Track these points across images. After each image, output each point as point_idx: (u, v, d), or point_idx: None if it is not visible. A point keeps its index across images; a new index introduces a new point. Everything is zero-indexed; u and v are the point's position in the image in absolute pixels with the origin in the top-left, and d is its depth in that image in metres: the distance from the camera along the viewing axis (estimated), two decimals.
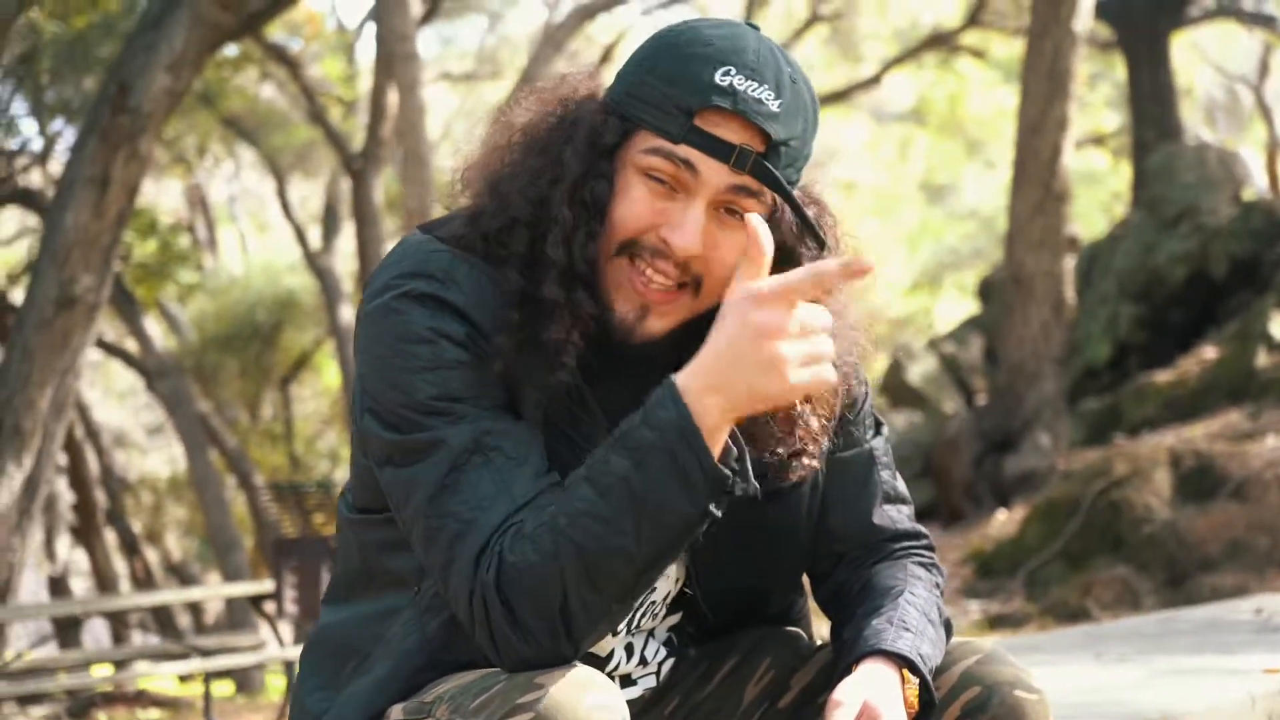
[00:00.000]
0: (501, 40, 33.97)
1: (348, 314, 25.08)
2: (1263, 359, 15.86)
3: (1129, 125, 24.04)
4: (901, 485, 2.70)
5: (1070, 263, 17.34)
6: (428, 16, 24.45)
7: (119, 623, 22.96)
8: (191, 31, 12.76)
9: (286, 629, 16.02)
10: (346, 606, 2.54)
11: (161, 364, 21.67)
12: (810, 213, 2.43)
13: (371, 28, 25.50)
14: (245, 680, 18.89)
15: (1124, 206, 28.78)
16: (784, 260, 2.40)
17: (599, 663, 2.54)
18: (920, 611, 2.51)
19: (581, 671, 2.21)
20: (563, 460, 2.34)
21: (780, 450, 2.48)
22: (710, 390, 2.16)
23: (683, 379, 2.18)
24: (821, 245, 2.45)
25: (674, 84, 2.36)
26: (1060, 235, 16.29)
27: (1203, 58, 32.65)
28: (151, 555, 27.78)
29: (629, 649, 2.58)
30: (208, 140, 25.55)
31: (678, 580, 2.56)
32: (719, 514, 2.21)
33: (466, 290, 2.35)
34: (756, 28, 2.45)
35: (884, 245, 34.76)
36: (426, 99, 19.22)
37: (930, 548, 2.69)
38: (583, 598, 2.19)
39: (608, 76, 2.52)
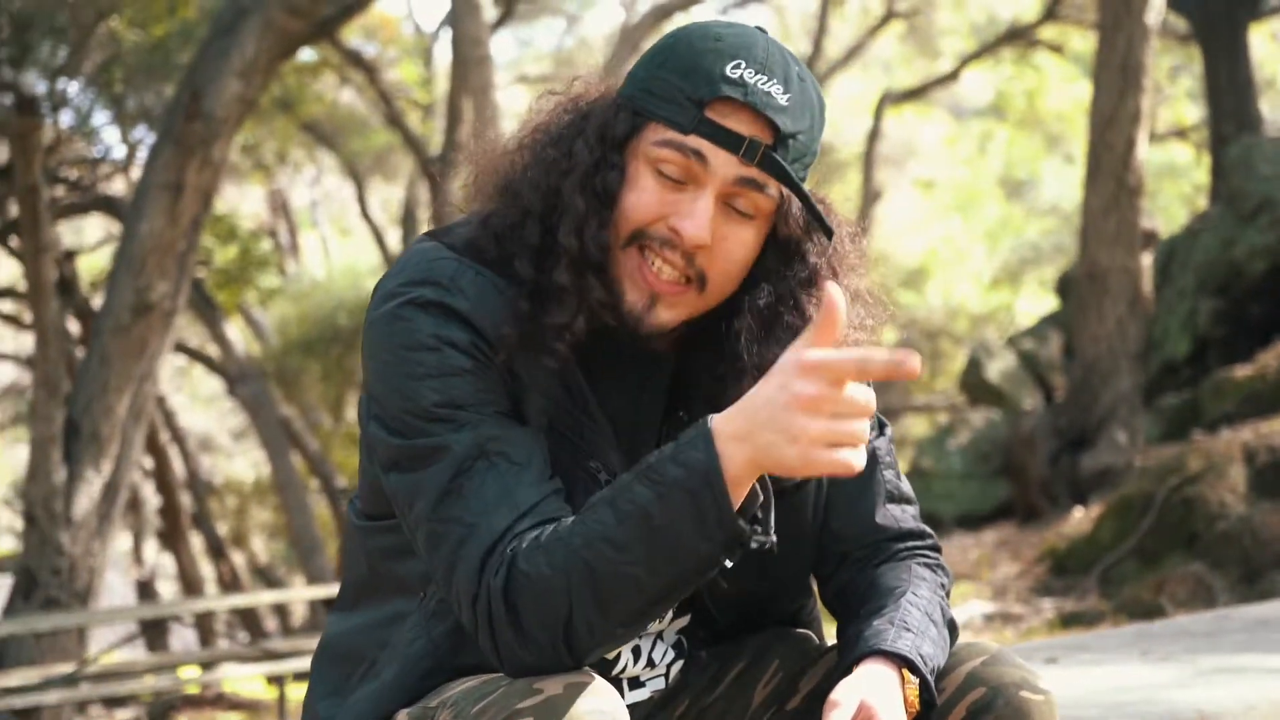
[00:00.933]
0: (579, 42, 34.03)
1: None
2: None
3: (1208, 118, 23.84)
4: (905, 485, 2.70)
5: (1148, 258, 17.23)
6: (504, 19, 24.54)
7: (206, 626, 23.15)
8: (262, 38, 12.87)
9: None
10: (354, 614, 2.56)
11: (242, 369, 21.85)
12: (819, 208, 2.45)
13: (448, 31, 25.64)
14: None
15: (1206, 200, 28.52)
16: (790, 254, 2.45)
17: (606, 665, 2.55)
18: (923, 612, 2.51)
19: (581, 677, 2.22)
20: (565, 465, 2.37)
21: None
22: (740, 439, 2.15)
23: (719, 421, 2.18)
24: (829, 235, 2.46)
25: (685, 77, 2.38)
26: (1135, 230, 16.19)
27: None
28: (238, 558, 27.99)
29: (636, 651, 2.59)
30: (288, 146, 25.70)
31: None
32: (729, 565, 2.23)
33: (471, 297, 2.37)
34: (764, 31, 2.47)
35: (964, 241, 34.62)
36: (503, 102, 19.29)
37: (936, 548, 2.69)
38: (588, 618, 2.21)
39: (620, 76, 2.54)
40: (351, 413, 29.92)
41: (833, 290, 2.14)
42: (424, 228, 26.10)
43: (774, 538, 2.25)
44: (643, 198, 2.38)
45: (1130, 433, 15.75)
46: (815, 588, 2.74)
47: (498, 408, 2.35)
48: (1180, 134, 31.99)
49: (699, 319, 2.45)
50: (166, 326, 13.18)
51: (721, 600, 2.59)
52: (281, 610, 26.21)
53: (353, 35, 22.79)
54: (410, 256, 2.45)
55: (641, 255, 2.39)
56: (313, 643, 14.94)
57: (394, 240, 27.39)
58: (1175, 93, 31.55)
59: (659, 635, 2.62)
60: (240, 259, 21.83)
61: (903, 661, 2.42)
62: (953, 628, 2.55)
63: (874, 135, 27.67)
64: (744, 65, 2.38)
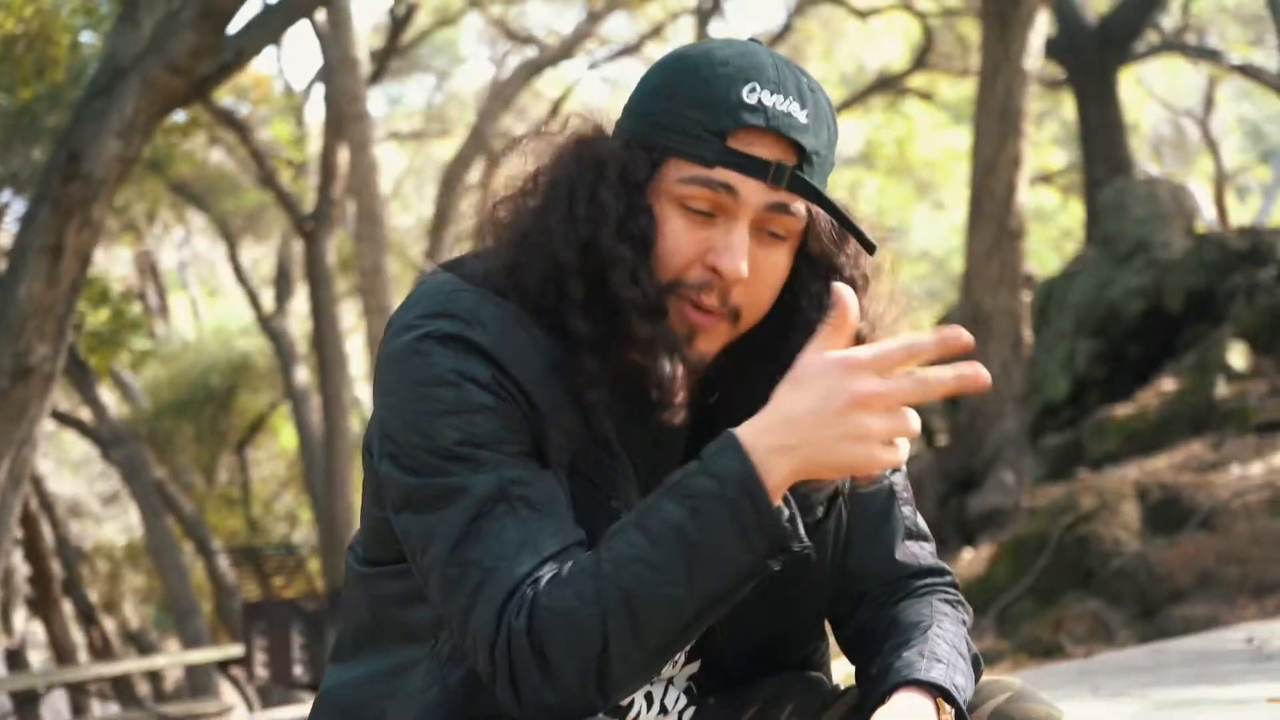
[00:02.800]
0: (449, 98, 33.99)
1: (302, 376, 24.99)
2: (1222, 389, 15.92)
3: (1079, 162, 24.15)
4: (922, 521, 2.63)
5: (1026, 300, 17.40)
6: (376, 76, 24.45)
7: (79, 694, 22.73)
8: (142, 97, 12.69)
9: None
10: (356, 664, 2.45)
11: (116, 432, 21.57)
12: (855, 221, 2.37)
13: (320, 89, 25.51)
14: None
15: (1075, 244, 28.84)
16: (824, 270, 2.38)
17: (620, 711, 2.46)
18: (950, 645, 2.44)
19: None
20: (586, 505, 2.28)
21: None
22: (781, 451, 2.09)
23: (749, 435, 2.11)
24: (872, 249, 2.38)
25: (701, 108, 2.29)
26: (1017, 273, 16.33)
27: (1149, 93, 32.87)
28: (109, 624, 27.56)
29: (649, 698, 2.50)
30: (157, 207, 25.45)
31: None
32: (776, 568, 2.15)
33: (492, 331, 2.26)
34: (760, 43, 2.39)
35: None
36: (378, 158, 19.22)
37: (954, 585, 2.62)
38: (623, 646, 2.11)
39: (611, 112, 2.45)
40: (224, 475, 29.61)
41: (841, 289, 2.11)
42: (298, 286, 25.92)
43: (810, 544, 2.19)
44: (676, 242, 2.30)
45: (1017, 474, 15.86)
46: (828, 630, 2.67)
47: (519, 447, 2.25)
48: (1046, 179, 32.40)
49: (726, 349, 2.37)
50: (46, 390, 12.93)
51: (737, 642, 2.52)
52: (154, 676, 25.80)
53: (224, 94, 22.55)
54: (425, 288, 2.34)
55: (680, 299, 2.31)
56: (197, 707, 14.72)
57: (266, 300, 27.12)
58: (1041, 138, 31.95)
59: (670, 680, 2.54)
60: (112, 321, 21.57)
61: (937, 691, 2.35)
62: (977, 663, 2.49)
63: None
64: (759, 88, 2.29)
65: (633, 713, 2.49)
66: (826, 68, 30.67)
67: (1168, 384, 16.83)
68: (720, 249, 2.28)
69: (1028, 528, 13.07)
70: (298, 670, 10.98)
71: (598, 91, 35.23)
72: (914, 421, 2.08)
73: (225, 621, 24.27)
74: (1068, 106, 28.49)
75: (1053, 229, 34.13)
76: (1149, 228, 18.74)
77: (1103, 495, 12.51)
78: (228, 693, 22.41)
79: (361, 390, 27.81)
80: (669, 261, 2.30)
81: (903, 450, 2.10)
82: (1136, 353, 18.11)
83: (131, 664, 20.88)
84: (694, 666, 2.56)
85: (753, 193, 2.29)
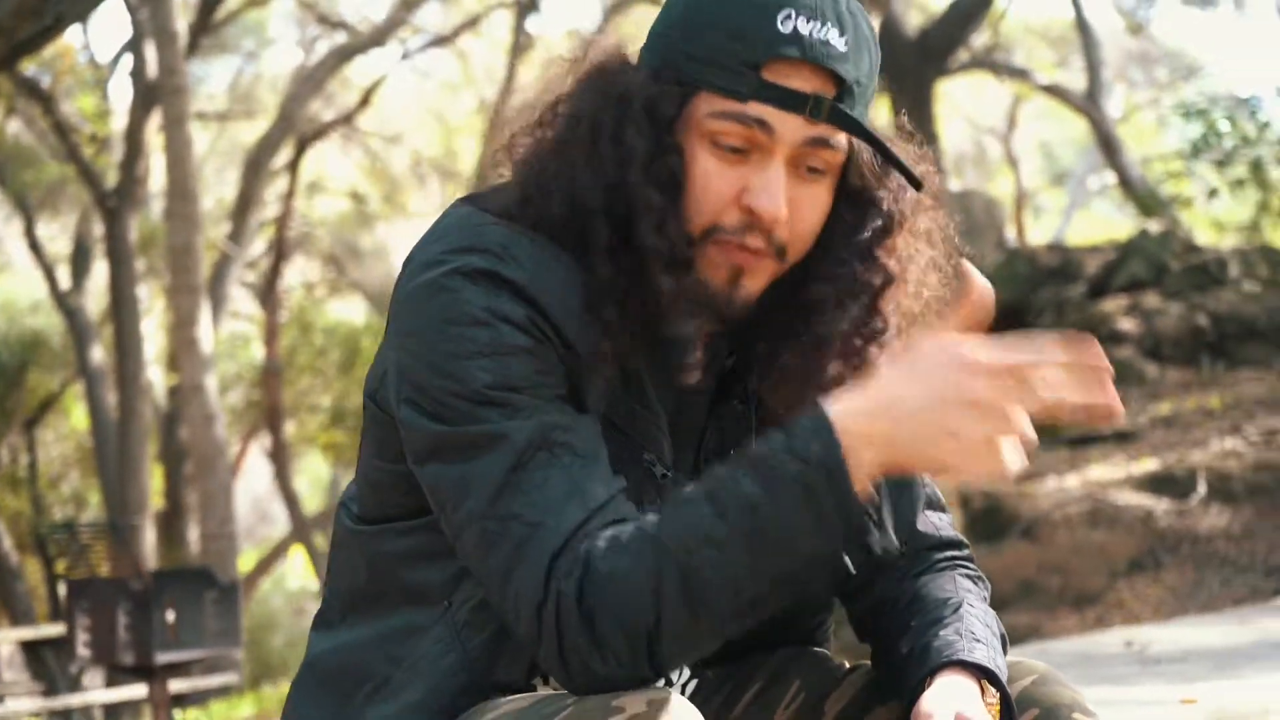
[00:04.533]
0: (255, 80, 33.50)
1: (98, 355, 24.47)
2: None
3: None
4: (939, 492, 2.52)
5: None
6: (187, 54, 24.04)
7: None
8: None
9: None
10: (348, 629, 2.28)
11: None
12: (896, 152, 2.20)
13: (127, 62, 24.97)
14: None
15: None
16: (864, 204, 2.23)
17: None
18: (983, 624, 2.33)
19: (661, 694, 1.97)
20: (620, 458, 2.11)
21: None
22: (875, 438, 1.94)
23: (843, 418, 1.95)
24: (918, 186, 2.23)
25: (734, 38, 2.13)
26: None
27: (954, 109, 33.33)
28: None
29: None
30: None
31: None
32: (853, 570, 2.00)
33: (528, 268, 2.09)
34: None
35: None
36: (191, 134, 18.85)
37: (972, 559, 2.51)
38: (676, 622, 1.96)
39: (632, 41, 2.29)
40: (6, 454, 28.90)
41: (970, 270, 2.01)
42: (98, 262, 25.35)
43: (895, 541, 2.05)
44: (710, 183, 2.14)
45: None
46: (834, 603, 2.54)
47: (555, 392, 2.08)
48: None
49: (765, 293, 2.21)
50: None
51: None
52: None
53: (27, 63, 21.92)
54: (450, 222, 2.17)
55: (720, 246, 2.15)
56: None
57: (62, 277, 26.45)
58: None
59: None
60: None
61: (981, 673, 2.24)
62: (1004, 643, 2.37)
63: None
64: (794, 15, 2.12)
65: None
66: None
67: None
68: (756, 189, 2.13)
69: None
70: (122, 651, 10.65)
71: (409, 82, 34.87)
72: (1025, 428, 1.92)
73: (3, 602, 23.67)
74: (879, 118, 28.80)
75: None
76: (961, 240, 18.93)
77: None
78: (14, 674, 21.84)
79: (154, 373, 27.28)
80: (703, 205, 2.15)
81: (1006, 458, 1.93)
82: None
83: None
84: None
85: (789, 128, 2.14)
